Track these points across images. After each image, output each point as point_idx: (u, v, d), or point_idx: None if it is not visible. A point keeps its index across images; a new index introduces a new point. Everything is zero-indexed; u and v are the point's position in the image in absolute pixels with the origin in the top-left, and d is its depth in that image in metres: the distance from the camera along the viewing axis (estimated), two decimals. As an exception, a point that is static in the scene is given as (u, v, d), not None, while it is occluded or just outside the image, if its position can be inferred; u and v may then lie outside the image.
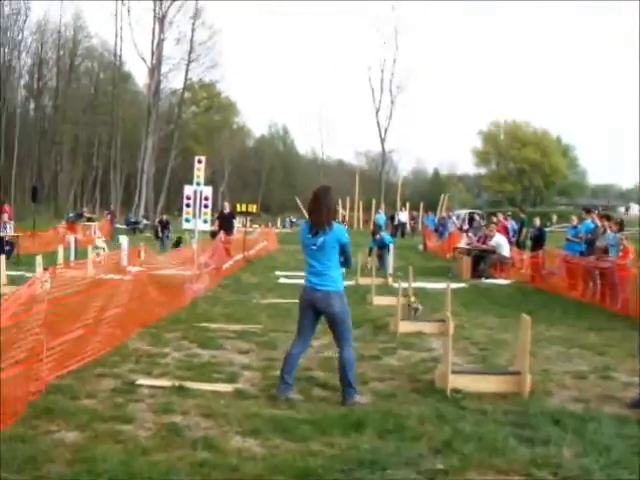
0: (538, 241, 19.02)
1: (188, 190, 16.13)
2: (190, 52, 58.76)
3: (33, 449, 4.45)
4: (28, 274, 13.06)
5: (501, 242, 17.64)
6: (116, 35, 60.00)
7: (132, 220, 43.56)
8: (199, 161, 16.31)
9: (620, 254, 12.63)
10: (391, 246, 18.36)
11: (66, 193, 64.71)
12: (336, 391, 6.09)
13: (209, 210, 16.32)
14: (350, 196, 53.73)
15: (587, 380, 6.82)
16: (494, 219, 21.99)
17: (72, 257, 17.82)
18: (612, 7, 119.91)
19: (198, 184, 15.95)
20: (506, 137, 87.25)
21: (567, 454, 4.63)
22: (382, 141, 71.03)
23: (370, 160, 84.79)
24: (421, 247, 29.64)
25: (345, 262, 5.96)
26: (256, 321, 9.96)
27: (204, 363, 7.24)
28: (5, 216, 21.46)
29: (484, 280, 16.64)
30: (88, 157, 67.23)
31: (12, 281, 12.95)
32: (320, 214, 5.78)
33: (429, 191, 78.78)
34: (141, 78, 71.93)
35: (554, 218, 27.11)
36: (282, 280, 15.99)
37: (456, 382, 6.09)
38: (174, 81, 61.97)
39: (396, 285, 10.18)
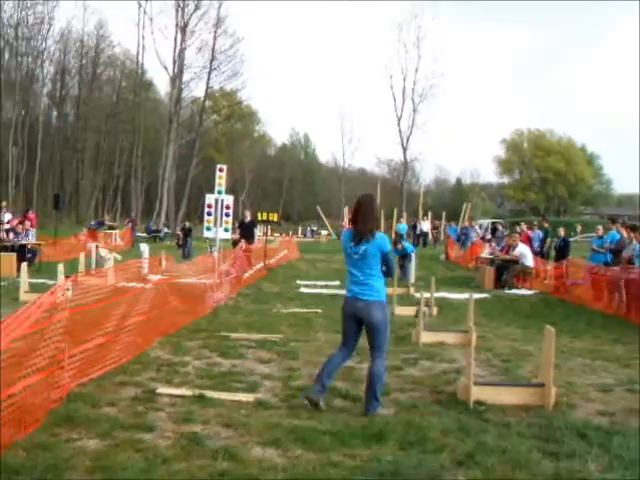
0: (562, 251, 18.83)
1: (209, 199, 16.21)
2: (212, 60, 58.98)
3: (54, 457, 4.46)
4: (50, 282, 13.18)
5: (524, 252, 17.47)
6: (138, 44, 60.61)
7: (153, 228, 43.79)
8: (220, 170, 16.39)
9: (646, 265, 12.47)
10: (413, 255, 18.28)
11: (87, 201, 65.22)
12: (357, 401, 6.06)
13: (230, 219, 16.38)
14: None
15: (612, 393, 6.71)
16: (517, 229, 21.83)
17: (93, 265, 17.95)
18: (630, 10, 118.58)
19: (220, 192, 16.02)
20: (530, 146, 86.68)
21: (592, 468, 4.56)
22: (404, 150, 70.92)
23: (392, 169, 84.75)
24: (443, 257, 29.50)
25: (387, 271, 5.90)
26: (277, 330, 9.93)
27: (225, 372, 7.22)
28: (28, 223, 21.68)
29: (507, 290, 16.49)
30: (109, 165, 67.82)
31: (34, 288, 13.03)
32: (363, 222, 5.76)
33: (451, 200, 78.60)
34: (163, 86, 72.15)
35: (578, 228, 26.86)
36: (303, 289, 15.96)
37: (479, 394, 6.02)
38: (195, 89, 62.29)
39: (418, 295, 10.11)
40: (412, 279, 17.12)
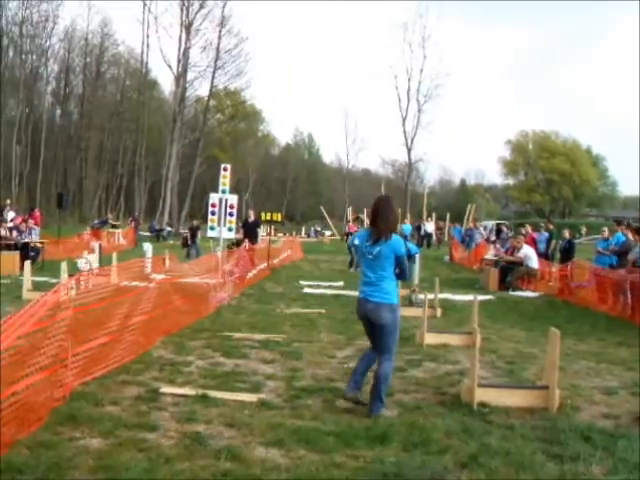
0: (567, 253, 18.79)
1: (213, 198, 16.21)
2: (216, 60, 59.03)
3: (57, 455, 4.46)
4: (53, 280, 13.19)
5: (529, 254, 17.43)
6: (143, 42, 60.60)
7: (156, 227, 43.80)
8: (225, 169, 16.39)
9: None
10: (417, 256, 18.26)
11: (91, 200, 65.36)
12: (361, 402, 6.03)
13: (234, 218, 16.36)
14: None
15: (617, 396, 6.69)
16: (522, 230, 21.78)
17: (96, 264, 17.94)
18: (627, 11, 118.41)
19: (224, 192, 16.02)
20: (535, 147, 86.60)
21: (597, 471, 4.55)
22: (408, 150, 70.83)
23: (396, 170, 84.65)
24: (447, 258, 29.47)
25: (400, 274, 5.89)
26: (280, 331, 9.92)
27: (228, 372, 7.21)
28: (31, 222, 21.71)
29: (511, 292, 16.46)
30: (113, 164, 67.89)
31: (36, 287, 13.04)
32: (379, 223, 5.77)
33: (456, 201, 78.45)
34: (167, 85, 72.63)
35: (583, 230, 26.79)
36: (306, 290, 15.94)
37: (483, 396, 6.01)
38: (200, 88, 62.35)
39: (422, 296, 10.08)
40: (416, 280, 17.09)
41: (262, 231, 26.07)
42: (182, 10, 56.59)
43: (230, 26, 59.05)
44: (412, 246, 19.22)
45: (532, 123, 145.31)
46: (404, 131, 70.41)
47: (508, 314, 12.92)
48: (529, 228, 22.82)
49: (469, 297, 12.67)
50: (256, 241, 21.32)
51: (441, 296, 12.59)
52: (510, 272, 17.24)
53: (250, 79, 79.10)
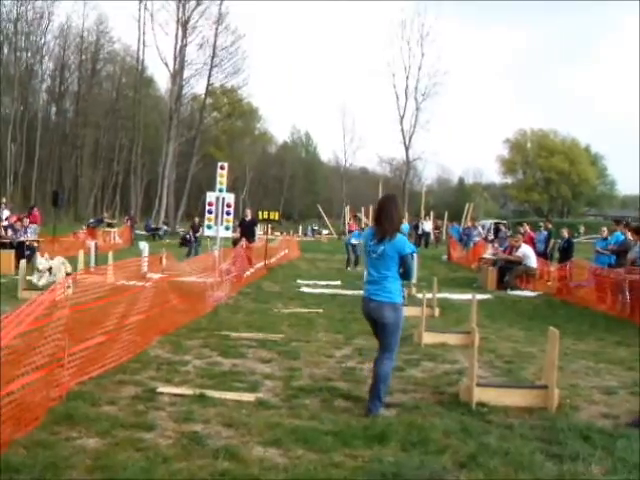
0: (566, 252, 18.79)
1: (210, 197, 16.19)
2: (213, 57, 58.82)
3: (54, 455, 4.44)
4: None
5: (528, 253, 17.43)
6: (139, 40, 60.30)
7: (152, 226, 43.70)
8: (222, 167, 16.38)
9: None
10: (415, 255, 18.24)
11: (86, 198, 65.06)
12: (359, 402, 6.03)
13: (231, 217, 16.35)
14: (373, 205, 53.43)
15: (616, 396, 6.68)
16: (520, 229, 21.76)
17: (92, 263, 17.90)
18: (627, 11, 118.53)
19: (221, 190, 16.00)
20: (533, 146, 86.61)
21: (596, 471, 4.54)
22: (406, 149, 70.74)
23: (394, 168, 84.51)
24: (445, 257, 29.47)
25: (404, 274, 5.88)
26: (278, 330, 9.89)
27: (225, 372, 7.19)
28: (27, 220, 21.61)
29: (509, 292, 16.46)
30: (109, 162, 67.63)
31: (32, 286, 13.00)
32: (384, 222, 5.77)
33: (454, 200, 78.43)
34: (163, 83, 71.99)
35: (582, 229, 26.81)
36: (304, 289, 15.92)
37: (481, 395, 5.99)
38: (196, 86, 62.06)
39: (420, 295, 10.07)
40: (414, 279, 17.08)
41: (259, 230, 26.06)
42: (178, 7, 56.28)
43: (227, 23, 58.79)
44: (410, 245, 19.26)
45: (531, 122, 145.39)
46: (402, 129, 70.33)
47: (506, 313, 12.91)
48: (527, 227, 22.82)
49: (467, 296, 12.64)
50: (253, 240, 21.29)
51: (439, 295, 12.57)
52: (508, 271, 17.23)
53: (247, 77, 78.74)
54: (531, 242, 20.04)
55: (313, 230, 60.95)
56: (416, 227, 40.82)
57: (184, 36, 56.73)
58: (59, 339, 5.52)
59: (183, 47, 56.96)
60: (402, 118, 70.14)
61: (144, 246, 18.74)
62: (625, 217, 25.96)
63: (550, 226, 22.87)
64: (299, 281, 17.72)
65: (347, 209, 57.68)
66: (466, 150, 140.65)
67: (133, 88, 65.29)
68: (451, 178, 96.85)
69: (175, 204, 59.51)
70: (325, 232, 59.03)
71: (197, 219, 29.29)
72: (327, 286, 16.68)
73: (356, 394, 6.31)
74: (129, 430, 5.06)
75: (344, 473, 4.34)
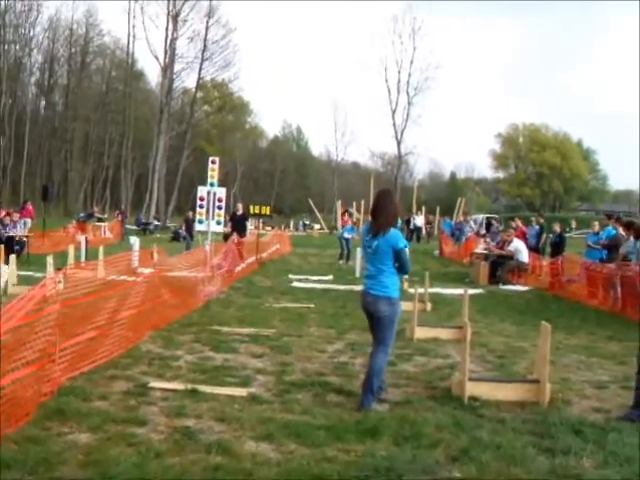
0: (558, 247, 18.84)
1: (202, 191, 16.15)
2: (204, 51, 58.56)
3: (45, 450, 4.42)
4: (38, 274, 13.09)
5: (520, 247, 17.46)
6: (129, 33, 59.88)
7: (143, 221, 43.53)
8: (213, 162, 16.34)
9: (641, 262, 12.42)
10: (406, 250, 18.23)
11: (76, 192, 64.44)
12: (351, 396, 6.04)
13: (223, 212, 16.32)
14: (365, 199, 53.49)
15: (608, 390, 6.71)
16: (512, 224, 21.80)
17: (83, 258, 17.84)
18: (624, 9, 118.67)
19: (212, 185, 15.96)
20: (525, 140, 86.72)
21: (587, 465, 4.56)
22: (398, 143, 70.76)
23: (386, 163, 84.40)
24: (437, 252, 29.50)
25: (401, 268, 5.90)
26: (269, 325, 9.89)
27: (217, 366, 7.18)
28: (16, 215, 21.51)
29: (501, 286, 16.49)
30: (99, 156, 67.04)
31: (22, 281, 12.93)
32: (380, 218, 5.81)
33: (446, 195, 78.36)
34: (153, 77, 71.56)
35: (573, 224, 26.88)
36: (295, 284, 15.91)
37: (473, 390, 6.01)
38: (187, 80, 61.80)
39: (412, 290, 10.08)
40: (405, 275, 17.09)
41: (250, 224, 25.99)
42: (169, 0, 56.17)
43: (218, 17, 58.62)
44: (402, 240, 19.26)
45: (523, 116, 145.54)
46: (394, 124, 70.35)
47: (498, 308, 12.95)
48: (519, 222, 22.86)
49: (459, 291, 12.68)
50: (244, 235, 21.25)
51: (431, 290, 12.59)
52: (500, 266, 17.27)
53: (238, 71, 78.75)
54: (523, 237, 20.07)
55: (305, 225, 60.81)
56: (408, 222, 40.83)
57: (175, 29, 56.51)
58: (50, 334, 5.49)
59: (174, 40, 56.72)
60: (394, 112, 70.21)
61: (135, 241, 18.69)
62: (617, 212, 26.03)
63: (542, 221, 22.90)
64: (291, 276, 17.71)
65: (338, 204, 57.63)
66: (458, 145, 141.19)
67: (123, 81, 64.96)
68: (443, 173, 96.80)
69: (166, 198, 59.35)
70: (317, 227, 58.95)
71: (191, 213, 29.09)
72: (319, 281, 16.68)
73: (348, 389, 6.32)
74: (121, 425, 5.04)
75: (337, 467, 4.34)
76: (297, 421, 5.28)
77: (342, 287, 15.16)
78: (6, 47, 57.16)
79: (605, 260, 14.60)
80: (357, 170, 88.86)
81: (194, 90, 62.33)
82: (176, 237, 32.92)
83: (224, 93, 70.31)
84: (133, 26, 58.65)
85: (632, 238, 13.20)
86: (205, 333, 9.01)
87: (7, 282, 12.68)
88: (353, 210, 45.19)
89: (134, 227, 40.49)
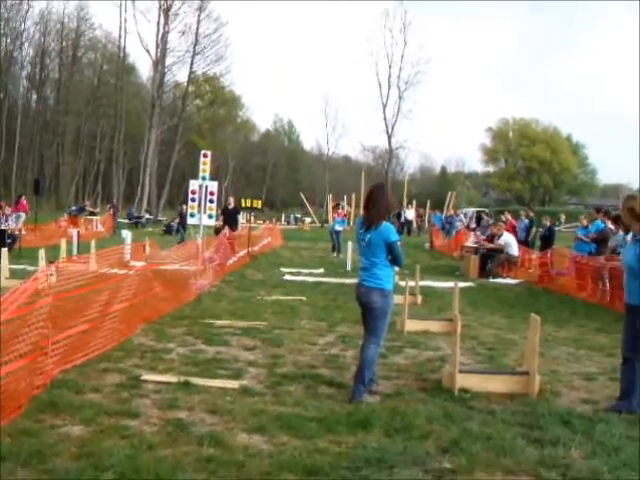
0: (547, 241, 18.91)
1: (193, 185, 16.14)
2: (195, 44, 58.40)
3: (39, 443, 4.44)
4: (30, 268, 13.07)
5: (509, 241, 17.54)
6: (120, 26, 59.72)
7: (135, 214, 43.43)
8: (205, 155, 16.31)
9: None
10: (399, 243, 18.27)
11: (68, 186, 64.20)
12: (342, 389, 6.08)
13: (214, 205, 16.31)
14: (356, 193, 53.55)
15: (596, 381, 6.77)
16: (502, 218, 21.88)
17: (75, 251, 17.81)
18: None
19: (204, 179, 15.95)
20: (515, 135, 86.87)
21: (576, 455, 4.60)
22: (389, 137, 70.80)
23: (377, 157, 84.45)
24: (428, 245, 29.57)
25: (394, 261, 5.95)
26: (261, 318, 9.91)
27: (209, 359, 7.20)
28: (8, 209, 21.42)
29: (491, 279, 16.56)
30: (90, 150, 66.84)
31: (14, 275, 12.91)
32: (372, 211, 5.86)
33: (436, 189, 78.50)
34: (145, 70, 71.43)
35: (562, 218, 26.97)
36: (287, 277, 15.94)
37: (464, 382, 6.05)
38: (178, 74, 61.64)
39: (402, 283, 10.12)
40: (396, 268, 17.13)
41: (242, 218, 25.97)
42: (161, -7, 55.89)
43: (209, 10, 58.52)
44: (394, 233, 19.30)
45: (513, 111, 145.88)
46: (385, 118, 70.41)
47: (488, 301, 13.01)
48: (509, 215, 22.93)
49: (450, 284, 12.72)
50: (236, 228, 21.25)
51: (422, 283, 12.64)
52: (490, 259, 17.34)
53: (229, 65, 78.52)
54: (513, 230, 20.15)
55: (296, 218, 60.80)
56: (398, 216, 40.90)
57: (166, 23, 56.32)
58: (42, 327, 5.50)
59: (165, 34, 56.53)
60: (385, 106, 70.28)
61: (127, 234, 18.67)
62: (605, 206, 26.11)
63: (532, 214, 23.00)
64: (282, 269, 17.73)
65: (330, 197, 57.65)
66: (449, 139, 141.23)
67: (115, 75, 64.71)
68: (433, 167, 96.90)
69: (158, 192, 59.22)
70: (308, 220, 58.96)
71: (185, 206, 28.97)
72: (310, 274, 16.71)
73: (339, 381, 6.36)
74: (114, 417, 5.06)
75: (328, 459, 4.36)
76: (289, 413, 5.31)
77: (333, 280, 15.19)
78: (-3, 40, 56.81)
79: (594, 254, 14.67)
80: (348, 164, 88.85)
81: (186, 84, 62.18)
82: (168, 230, 32.87)
83: (216, 87, 70.19)
84: (125, 20, 58.57)
85: (621, 231, 13.26)
86: (197, 326, 9.03)
87: (-1, 276, 12.68)
88: (344, 203, 45.18)
89: (126, 221, 40.40)
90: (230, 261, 17.10)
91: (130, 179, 66.47)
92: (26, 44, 61.21)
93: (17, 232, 20.23)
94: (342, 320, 9.87)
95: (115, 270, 9.11)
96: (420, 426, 5.06)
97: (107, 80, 67.90)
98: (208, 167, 16.05)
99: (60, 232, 24.19)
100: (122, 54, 63.36)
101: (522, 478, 4.24)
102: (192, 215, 16.26)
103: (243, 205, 22.45)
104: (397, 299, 10.32)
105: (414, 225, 41.92)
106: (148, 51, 57.06)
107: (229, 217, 20.92)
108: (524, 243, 19.71)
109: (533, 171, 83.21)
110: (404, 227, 39.24)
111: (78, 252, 17.42)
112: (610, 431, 5.06)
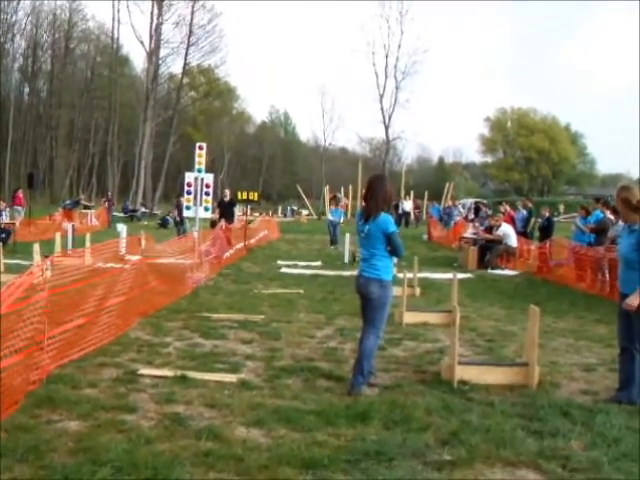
0: (546, 231, 18.89)
1: (189, 177, 16.07)
2: (189, 36, 58.24)
3: (35, 438, 4.41)
4: (24, 262, 13.02)
5: (508, 232, 17.49)
6: (113, 18, 59.61)
7: (130, 208, 43.31)
8: (200, 147, 16.24)
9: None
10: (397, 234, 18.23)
11: (62, 180, 63.84)
12: (340, 381, 6.06)
13: (210, 198, 16.24)
14: (353, 184, 53.48)
15: (596, 372, 6.76)
16: (501, 208, 21.85)
17: (69, 245, 17.76)
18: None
19: (199, 171, 15.88)
20: (513, 124, 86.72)
21: (576, 446, 4.59)
22: (386, 128, 70.76)
23: (374, 148, 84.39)
24: (426, 237, 29.55)
25: (393, 252, 5.94)
26: (258, 311, 9.88)
27: (206, 353, 7.17)
28: (2, 204, 21.37)
29: (490, 271, 16.53)
30: (84, 143, 66.38)
31: (9, 269, 12.86)
32: (370, 202, 5.86)
33: (434, 179, 78.25)
34: (139, 62, 71.18)
35: (561, 208, 26.91)
36: (284, 270, 15.91)
37: (463, 373, 6.04)
38: (173, 65, 61.62)
39: (400, 275, 10.09)
40: (394, 259, 17.10)
41: (238, 210, 25.91)
42: (154, -17, 55.65)
43: (203, 1, 58.34)
44: (392, 224, 19.26)
45: (511, 100, 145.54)
46: (381, 108, 70.40)
47: (487, 292, 12.98)
48: (508, 206, 22.90)
49: (448, 276, 12.70)
50: (232, 221, 21.19)
51: (420, 275, 12.61)
52: (489, 250, 17.31)
53: (224, 56, 78.13)
54: (511, 221, 20.11)
55: (293, 210, 60.75)
56: (396, 207, 40.87)
57: (160, 14, 56.16)
58: (38, 322, 5.47)
59: (159, 25, 56.37)
60: (382, 97, 70.30)
61: (122, 228, 18.60)
62: (605, 196, 26.13)
63: (530, 205, 22.95)
64: (279, 262, 17.70)
65: (326, 189, 57.56)
66: (446, 129, 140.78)
67: (108, 67, 64.39)
68: (431, 157, 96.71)
69: (153, 185, 59.15)
70: (305, 212, 58.89)
71: (182, 199, 28.80)
72: (307, 267, 16.68)
73: (338, 374, 6.33)
74: (111, 412, 5.04)
75: (327, 452, 4.34)
76: (287, 406, 5.29)
77: (331, 273, 15.16)
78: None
79: (593, 244, 14.63)
80: (345, 155, 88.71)
81: (180, 76, 62.06)
82: (164, 224, 32.77)
83: (210, 79, 69.94)
84: (118, 10, 58.45)
85: (621, 222, 13.21)
86: (194, 320, 9.00)
87: None
88: (341, 195, 45.10)
89: (121, 214, 40.31)
90: (226, 254, 17.06)
91: (125, 172, 66.15)
92: (18, 36, 60.81)
93: (11, 227, 20.14)
94: (340, 313, 9.84)
95: (111, 264, 9.08)
96: (419, 418, 5.05)
97: (100, 72, 67.39)
98: (204, 159, 15.97)
99: (55, 226, 24.07)
100: (115, 46, 63.15)
101: (522, 469, 4.23)
102: (188, 208, 16.20)
103: (239, 197, 22.39)
104: (395, 291, 10.37)
105: (412, 216, 41.89)
106: (142, 42, 56.93)
107: (225, 210, 20.85)
108: (522, 234, 19.67)
109: (532, 161, 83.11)
110: (402, 218, 39.23)
111: (73, 246, 17.38)
112: (610, 422, 5.04)
